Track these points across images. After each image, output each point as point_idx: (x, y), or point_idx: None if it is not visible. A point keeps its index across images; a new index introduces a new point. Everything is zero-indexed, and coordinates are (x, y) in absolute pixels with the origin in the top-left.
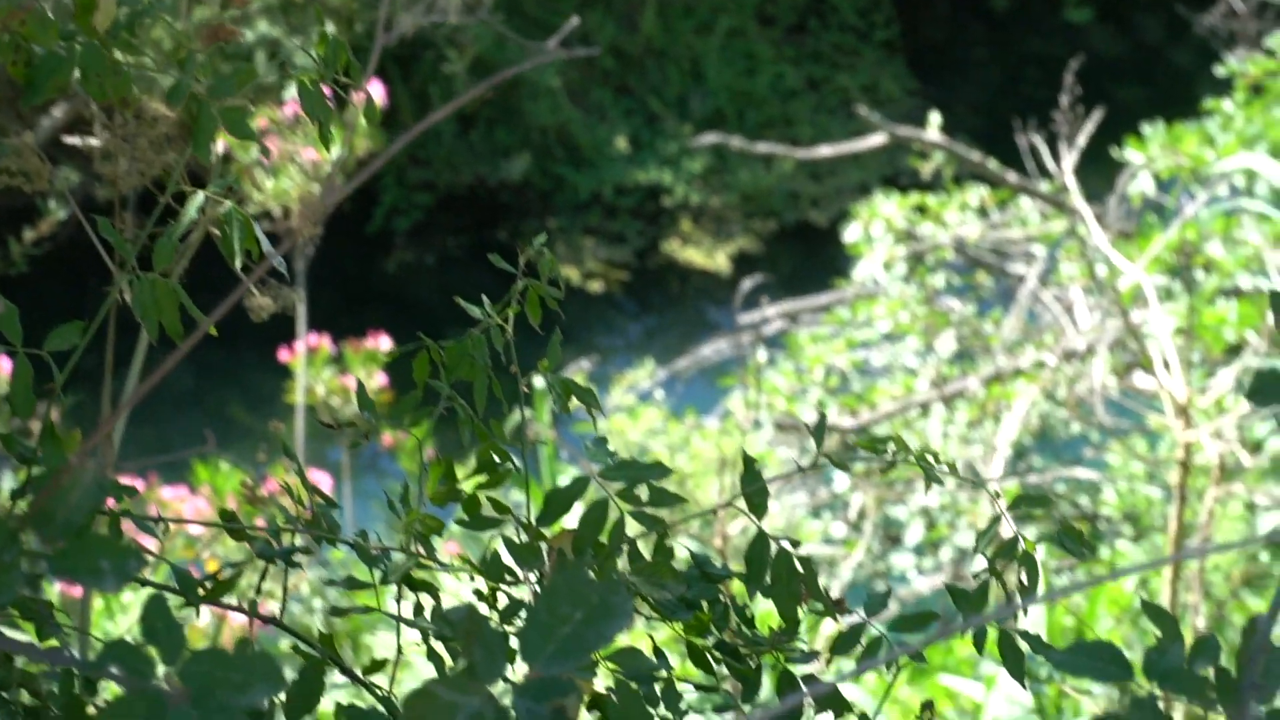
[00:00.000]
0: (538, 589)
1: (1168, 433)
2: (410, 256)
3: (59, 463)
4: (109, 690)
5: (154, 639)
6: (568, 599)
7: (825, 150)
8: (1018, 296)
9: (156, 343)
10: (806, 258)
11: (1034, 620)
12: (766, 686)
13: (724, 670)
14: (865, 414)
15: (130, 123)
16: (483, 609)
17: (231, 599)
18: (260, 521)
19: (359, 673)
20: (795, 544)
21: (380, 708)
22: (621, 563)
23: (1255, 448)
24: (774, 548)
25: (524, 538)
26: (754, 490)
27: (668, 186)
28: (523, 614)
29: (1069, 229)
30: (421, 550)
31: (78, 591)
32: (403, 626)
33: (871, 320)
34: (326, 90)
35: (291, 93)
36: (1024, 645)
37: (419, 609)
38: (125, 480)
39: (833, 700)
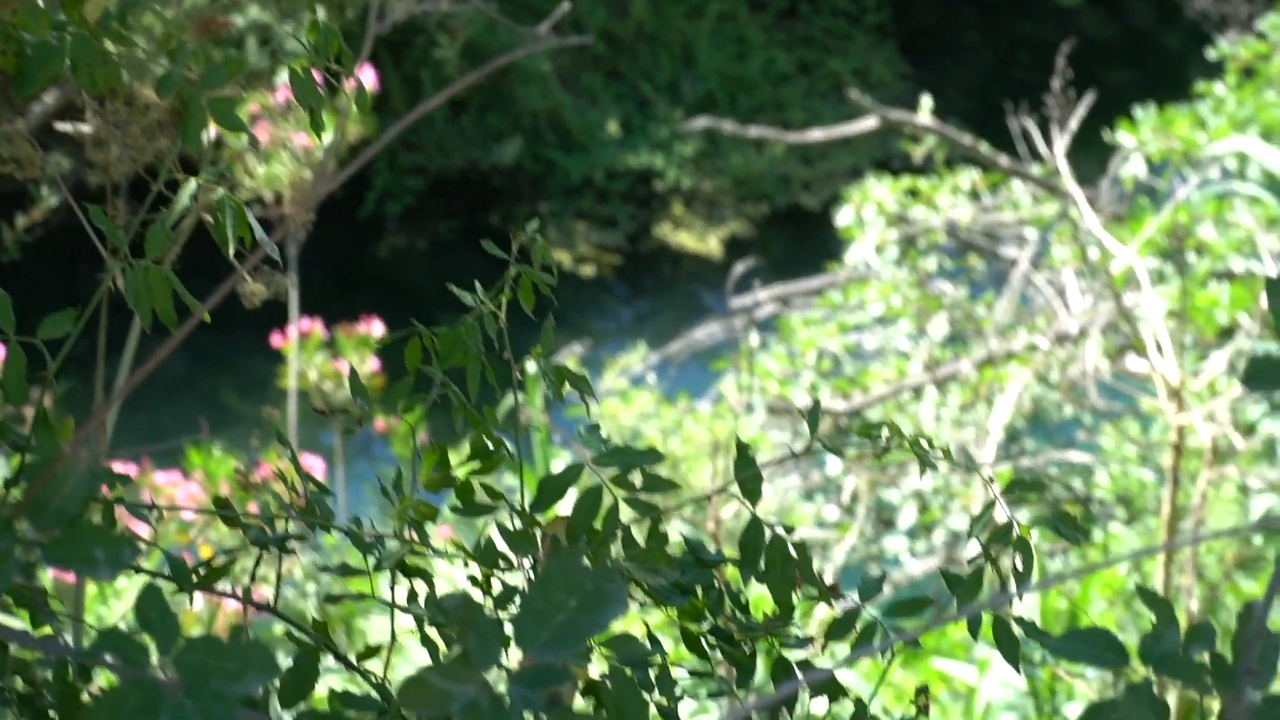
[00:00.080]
0: (532, 575)
1: (1160, 416)
2: (402, 241)
3: (53, 451)
4: (103, 677)
5: (148, 627)
6: (562, 586)
7: (817, 134)
8: (1010, 280)
9: (150, 330)
10: (798, 241)
11: (1027, 604)
12: (760, 671)
13: (718, 655)
14: (858, 397)
15: (122, 110)
16: (477, 595)
17: (225, 585)
18: (253, 507)
19: (353, 659)
20: (789, 530)
21: (374, 694)
22: (615, 549)
23: (1248, 430)
24: (768, 533)
25: (518, 524)
26: (748, 476)
27: (659, 170)
28: (517, 600)
29: (1061, 212)
30: (415, 537)
31: (72, 577)
32: (397, 612)
33: (864, 304)
34: (318, 77)
35: (283, 78)
36: (1018, 631)
37: (413, 595)
38: (118, 467)
39: (828, 686)
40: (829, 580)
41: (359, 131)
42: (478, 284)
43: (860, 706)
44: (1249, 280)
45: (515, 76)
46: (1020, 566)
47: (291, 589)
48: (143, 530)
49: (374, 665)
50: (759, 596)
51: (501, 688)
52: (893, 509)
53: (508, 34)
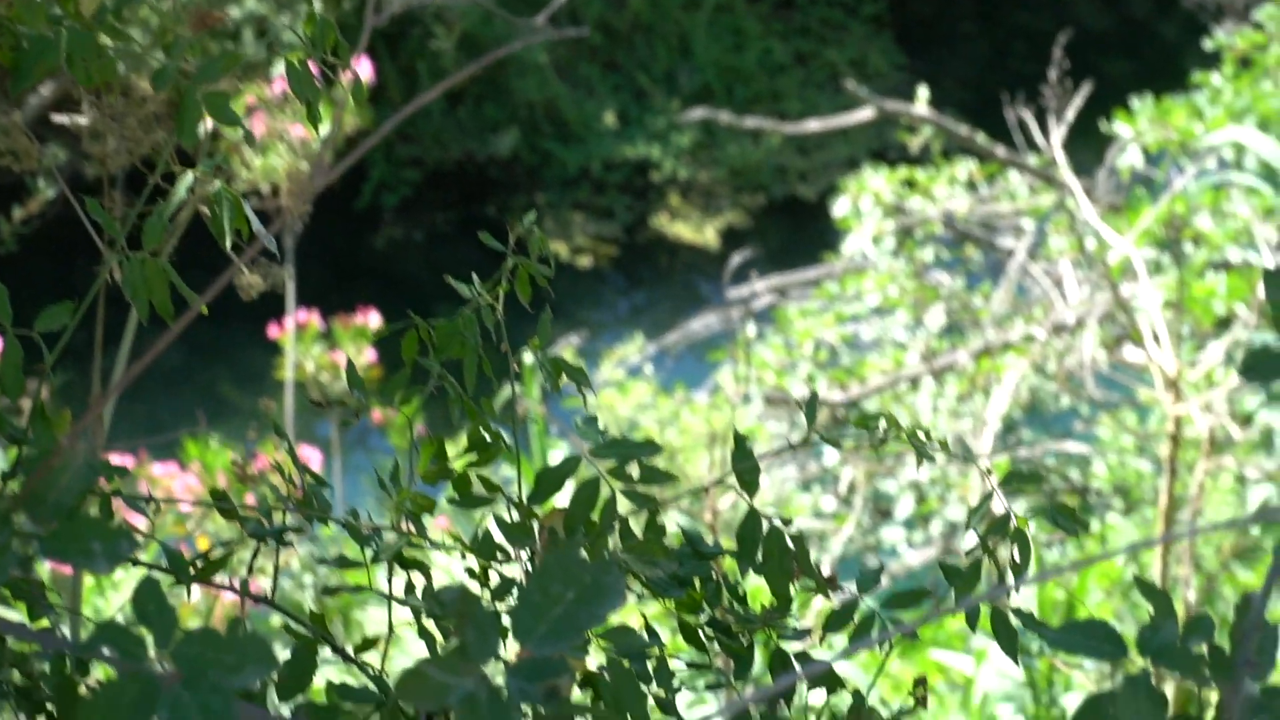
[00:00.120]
0: (529, 567)
1: (1157, 406)
2: (399, 232)
3: (50, 444)
4: (101, 670)
5: (146, 620)
6: (560, 579)
7: (813, 125)
8: (1007, 270)
9: (146, 322)
10: (795, 232)
11: (1025, 595)
12: (758, 663)
13: (715, 647)
14: (855, 388)
15: (119, 102)
16: (474, 587)
17: (223, 577)
18: (251, 499)
19: (350, 651)
20: (787, 521)
21: (372, 686)
22: (613, 540)
23: (1245, 421)
24: (765, 525)
25: (515, 516)
26: (745, 468)
27: (656, 161)
28: (515, 592)
29: (1058, 203)
30: (412, 529)
31: (69, 568)
32: (394, 604)
33: (860, 294)
34: (314, 69)
35: (280, 69)
36: (1016, 622)
37: (410, 587)
38: (115, 459)
39: (826, 679)
40: (826, 571)
41: (355, 123)
42: (475, 276)
43: (858, 698)
44: (1246, 270)
45: (512, 68)
46: (1018, 558)
47: (289, 580)
48: (140, 522)
49: (371, 657)
50: (756, 588)
51: (499, 680)
52: (890, 500)
53: (504, 25)
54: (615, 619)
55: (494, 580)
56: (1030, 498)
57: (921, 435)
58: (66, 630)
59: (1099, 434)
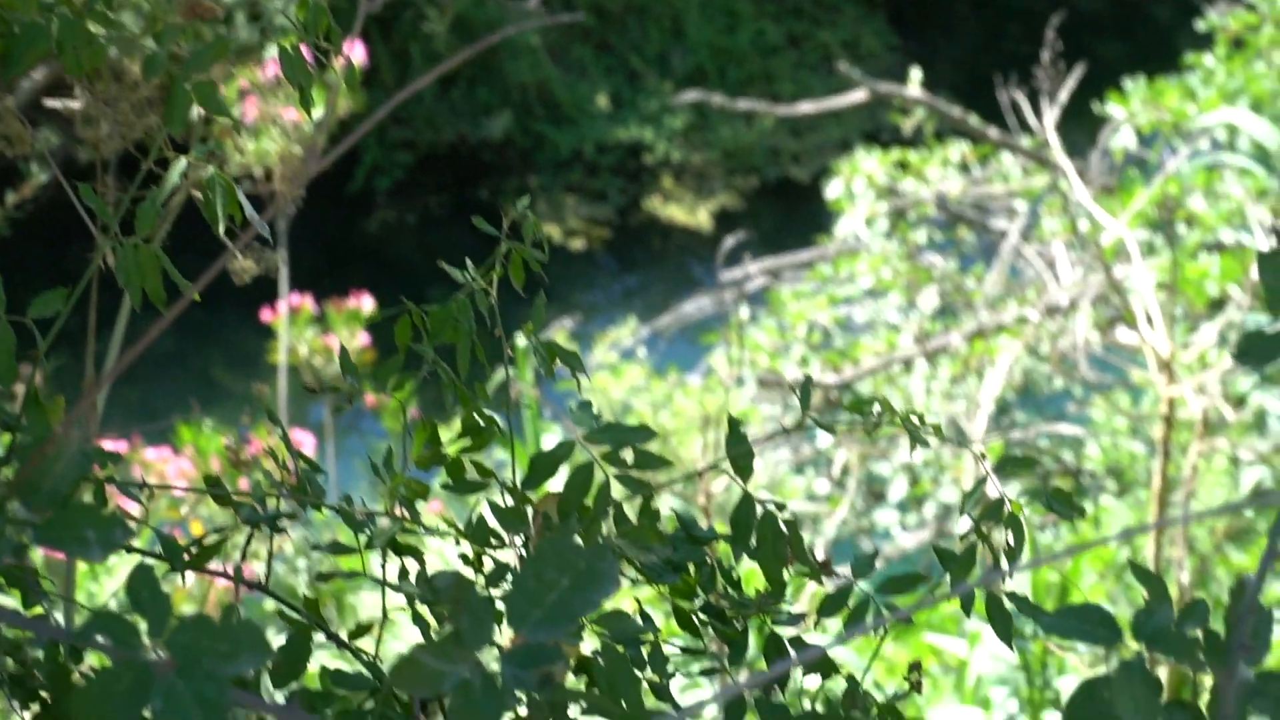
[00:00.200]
0: (523, 553)
1: (1151, 388)
2: (392, 216)
3: (44, 431)
4: (94, 657)
5: (140, 608)
6: (554, 565)
7: (806, 107)
8: (1000, 252)
9: (139, 309)
10: (788, 214)
11: (1019, 578)
12: (753, 647)
13: (710, 632)
14: (848, 370)
15: (111, 87)
16: (468, 573)
17: (217, 562)
18: (245, 484)
19: (344, 636)
20: (781, 506)
21: (366, 673)
22: (607, 526)
23: (1238, 402)
24: (759, 510)
25: (509, 501)
26: (739, 453)
27: (649, 144)
28: (509, 578)
29: (1051, 184)
30: (406, 514)
31: (63, 554)
32: (389, 588)
33: (854, 276)
34: (307, 54)
35: (272, 53)
36: (1011, 606)
37: (404, 573)
38: (109, 444)
39: (820, 664)
40: (820, 555)
41: (348, 106)
42: (469, 261)
43: (852, 683)
44: (1239, 252)
45: (504, 50)
46: (1012, 542)
47: (282, 564)
48: (133, 508)
49: (365, 643)
50: (750, 571)
51: (494, 666)
52: (883, 482)
53: (496, 8)
54: (609, 604)
55: (488, 566)
56: (1024, 480)
57: (915, 419)
58: (60, 617)
59: (1092, 416)
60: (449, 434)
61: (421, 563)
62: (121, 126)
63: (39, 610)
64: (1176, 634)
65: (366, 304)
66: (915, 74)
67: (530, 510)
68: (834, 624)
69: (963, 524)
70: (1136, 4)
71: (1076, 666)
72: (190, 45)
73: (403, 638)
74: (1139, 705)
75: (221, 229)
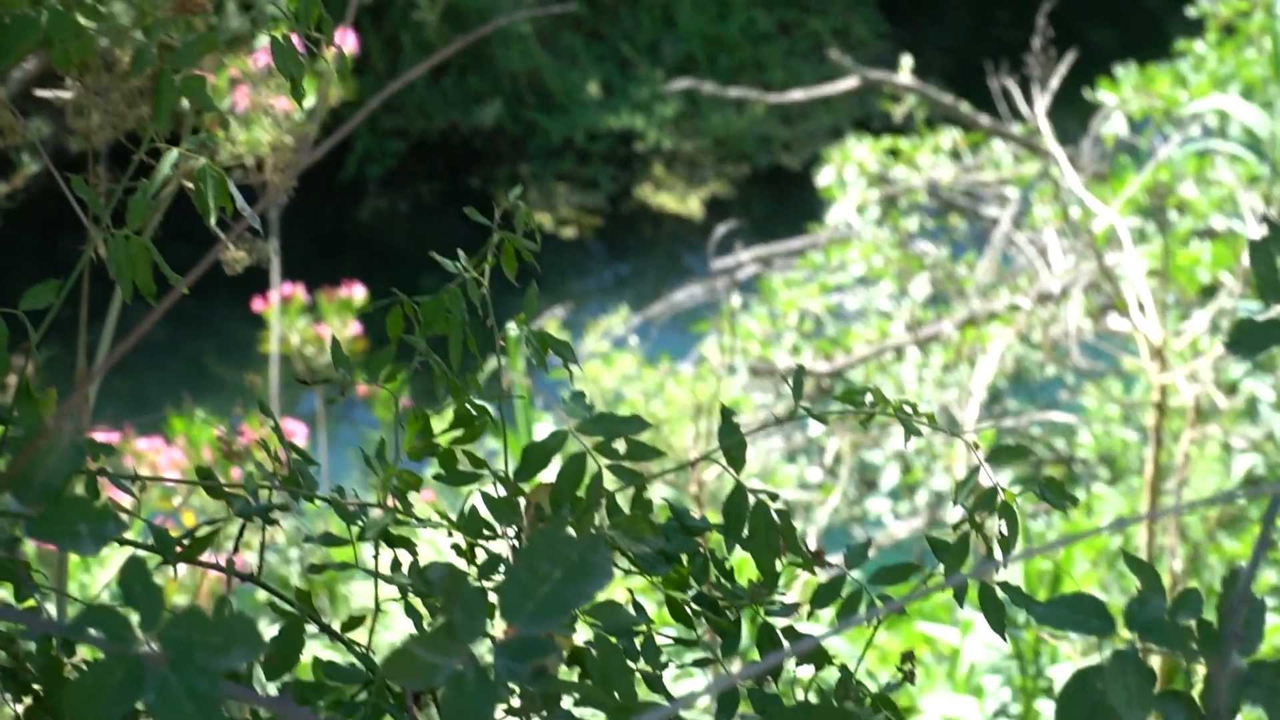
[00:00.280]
0: (516, 544)
1: (1143, 375)
2: (383, 204)
3: (36, 423)
4: (87, 649)
5: (132, 601)
6: (547, 557)
7: (797, 94)
8: (991, 239)
9: (131, 301)
10: (779, 202)
11: (1011, 568)
12: (745, 637)
13: (703, 622)
14: (840, 358)
15: (103, 77)
16: (460, 564)
17: (209, 553)
18: (237, 474)
19: (337, 628)
20: (773, 497)
21: (359, 664)
22: (599, 516)
23: (1230, 390)
24: (751, 500)
25: (501, 492)
26: (732, 443)
27: (640, 132)
28: (501, 569)
29: (1042, 171)
30: (398, 505)
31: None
32: (381, 580)
33: (845, 264)
34: (299, 44)
35: (263, 42)
36: (1003, 595)
37: (396, 564)
38: (101, 435)
39: (814, 655)
40: (813, 545)
41: (339, 95)
42: (460, 253)
43: (845, 672)
44: (1231, 238)
45: (495, 38)
46: (1005, 532)
47: (275, 555)
48: (125, 499)
49: (358, 634)
50: (742, 560)
51: (487, 658)
52: (876, 470)
53: None
54: (602, 595)
55: (480, 557)
56: (1016, 468)
57: (907, 408)
58: (52, 609)
59: (1084, 403)
60: (441, 424)
61: (414, 554)
62: (113, 117)
63: (31, 603)
64: (1169, 624)
65: (358, 293)
66: (906, 61)
67: (523, 501)
68: (827, 613)
69: (955, 512)
70: None
71: (1069, 655)
72: (181, 36)
73: (395, 628)
74: (1132, 695)
75: (213, 220)
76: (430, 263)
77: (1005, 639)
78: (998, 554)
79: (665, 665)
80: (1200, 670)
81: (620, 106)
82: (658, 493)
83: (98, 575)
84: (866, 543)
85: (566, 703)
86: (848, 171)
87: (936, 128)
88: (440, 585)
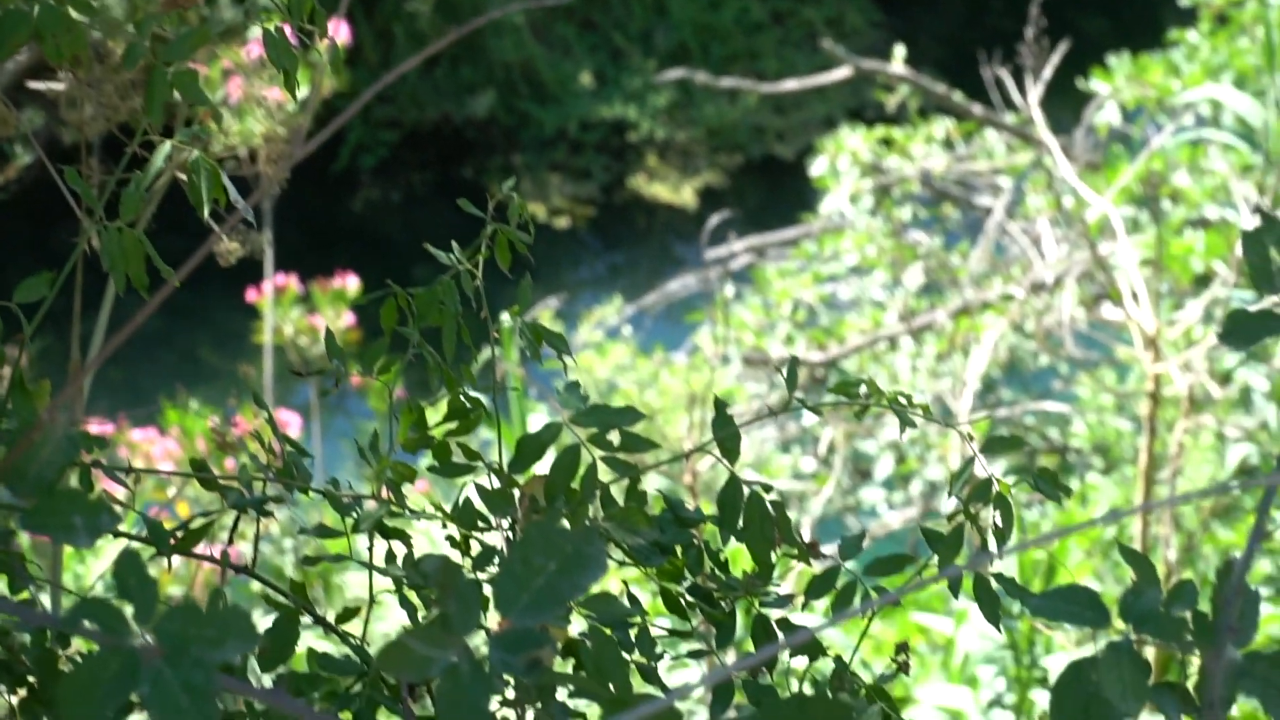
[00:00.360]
0: (510, 536)
1: (1137, 364)
2: (376, 194)
3: (29, 416)
4: (81, 641)
5: (127, 594)
6: (542, 549)
7: (790, 84)
8: (985, 229)
9: (124, 294)
10: (772, 192)
11: (1006, 558)
12: (740, 627)
13: (697, 614)
14: (833, 348)
15: (96, 69)
16: (455, 556)
17: (203, 544)
18: (231, 464)
19: (332, 620)
20: (767, 488)
21: (353, 655)
22: (593, 508)
23: (1224, 379)
24: (746, 491)
25: (496, 483)
26: (726, 435)
27: (633, 122)
28: (496, 561)
29: (1035, 161)
30: (392, 497)
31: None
32: (376, 569)
33: (838, 254)
34: (291, 36)
35: (256, 33)
36: (998, 587)
37: (391, 556)
38: (95, 427)
39: (808, 647)
40: (807, 535)
41: (332, 86)
42: (454, 244)
43: (840, 664)
44: (1224, 228)
45: (488, 29)
46: (1000, 523)
47: (269, 545)
48: (119, 491)
49: (353, 625)
50: (736, 551)
51: (482, 650)
52: (870, 460)
53: None
54: (596, 586)
55: (475, 548)
56: (1010, 458)
57: (902, 399)
58: (46, 600)
59: (1078, 393)
60: (435, 416)
61: (408, 546)
62: (106, 109)
63: (26, 595)
64: (1164, 615)
65: (351, 284)
66: (899, 51)
67: (517, 493)
68: (821, 604)
69: (950, 503)
70: None
71: (1064, 645)
72: (174, 29)
73: (390, 620)
74: (1127, 686)
75: (206, 212)
76: (424, 253)
77: (1000, 630)
78: (992, 545)
79: (660, 657)
80: (1195, 661)
81: (613, 96)
82: (652, 483)
83: (92, 566)
84: (861, 534)
85: (561, 694)
86: (841, 161)
87: (930, 117)
88: (435, 577)
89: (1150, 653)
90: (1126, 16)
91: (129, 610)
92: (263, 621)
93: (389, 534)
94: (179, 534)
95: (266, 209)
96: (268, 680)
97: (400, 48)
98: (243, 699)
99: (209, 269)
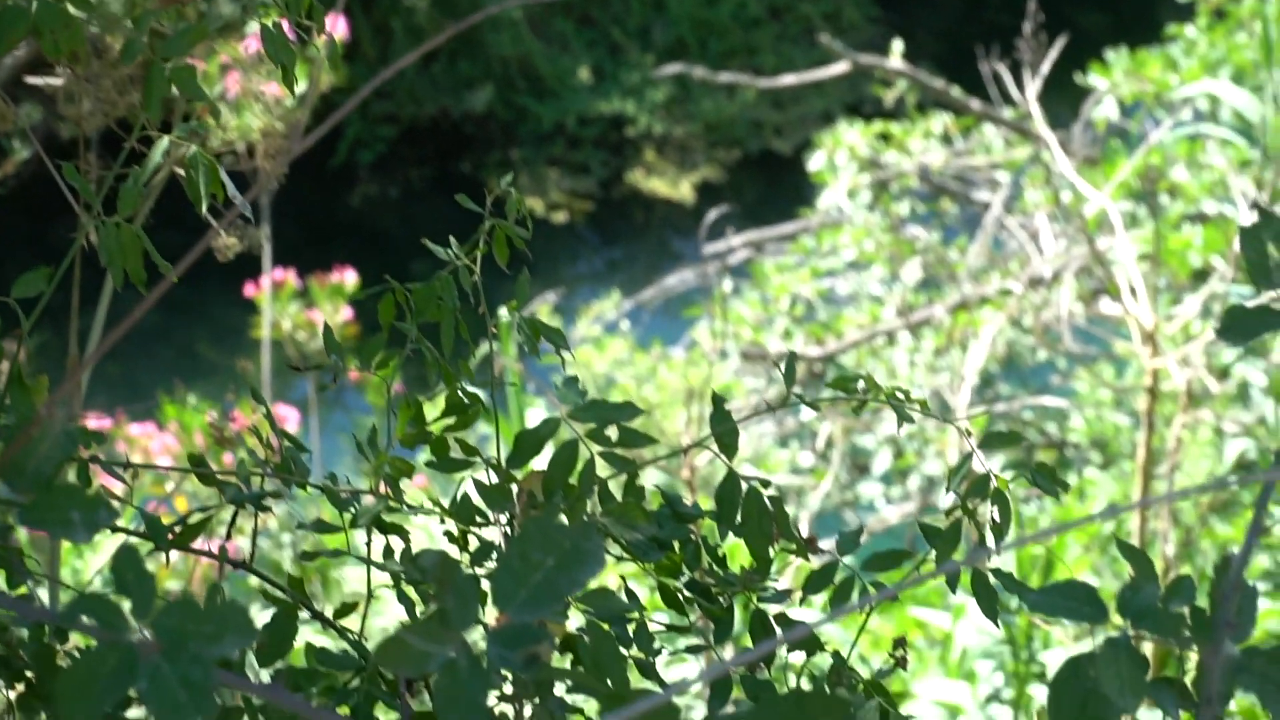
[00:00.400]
0: (508, 531)
1: (1135, 359)
2: (374, 189)
3: (28, 412)
4: (79, 636)
5: (125, 590)
6: (540, 545)
7: (788, 79)
8: (983, 224)
9: (121, 289)
10: (770, 186)
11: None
12: (738, 622)
13: (695, 608)
14: (831, 343)
15: (94, 64)
16: (453, 551)
17: (202, 538)
18: (228, 458)
19: (329, 615)
20: (765, 484)
21: (351, 651)
22: (591, 503)
23: (1222, 374)
24: (744, 486)
25: (494, 478)
26: (724, 430)
27: (631, 116)
28: (494, 556)
29: (1033, 156)
30: (390, 492)
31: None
32: (374, 564)
33: (837, 249)
34: (289, 30)
35: (254, 27)
36: (996, 582)
37: (389, 551)
38: (93, 422)
39: (806, 642)
40: (805, 531)
41: (330, 81)
42: (453, 240)
43: (838, 659)
44: (1222, 223)
45: (486, 23)
46: (997, 518)
47: (267, 540)
48: (117, 486)
49: (350, 620)
50: (734, 545)
51: (480, 645)
52: (868, 454)
53: None
54: (594, 581)
55: (473, 544)
56: (1008, 453)
57: (900, 395)
58: (44, 595)
59: (1076, 388)
60: (433, 411)
61: (406, 541)
62: (104, 104)
63: (24, 590)
64: (1162, 611)
65: (349, 278)
66: (897, 46)
67: (515, 488)
68: (819, 599)
69: (948, 498)
70: None
71: (1062, 640)
72: (172, 24)
73: (388, 615)
74: (1125, 682)
75: (204, 207)
76: (421, 248)
77: (998, 625)
78: (990, 540)
79: (658, 652)
80: (1193, 657)
81: (611, 91)
82: (650, 478)
83: (90, 560)
84: (859, 529)
85: (559, 690)
86: (839, 156)
87: (927, 112)
88: (433, 572)
89: (1148, 648)
90: (1124, 11)
91: (127, 605)
92: (261, 616)
93: (387, 529)
94: (177, 529)
95: (264, 204)
96: (266, 675)
97: (398, 43)
98: (240, 694)
99: (207, 264)
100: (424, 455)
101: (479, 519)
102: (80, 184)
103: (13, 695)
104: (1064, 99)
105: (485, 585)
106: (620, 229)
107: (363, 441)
